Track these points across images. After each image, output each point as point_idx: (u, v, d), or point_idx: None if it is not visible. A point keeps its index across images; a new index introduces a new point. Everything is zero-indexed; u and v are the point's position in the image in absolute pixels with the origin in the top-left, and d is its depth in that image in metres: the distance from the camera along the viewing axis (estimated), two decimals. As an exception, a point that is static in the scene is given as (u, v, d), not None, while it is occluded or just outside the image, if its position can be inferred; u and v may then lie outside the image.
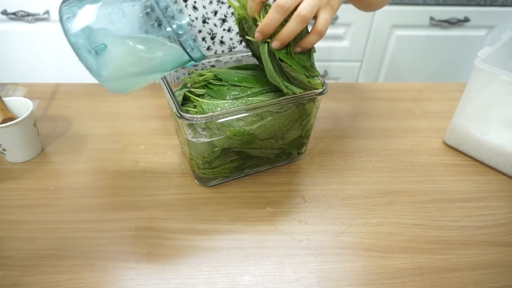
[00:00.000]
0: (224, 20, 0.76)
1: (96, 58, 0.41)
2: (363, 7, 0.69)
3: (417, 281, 0.46)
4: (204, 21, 0.76)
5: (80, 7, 0.40)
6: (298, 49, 0.49)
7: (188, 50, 0.43)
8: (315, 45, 0.49)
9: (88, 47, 0.40)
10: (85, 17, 0.40)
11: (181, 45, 0.43)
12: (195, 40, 0.43)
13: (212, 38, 0.79)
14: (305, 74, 0.50)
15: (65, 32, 0.40)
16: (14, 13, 1.38)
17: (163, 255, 0.48)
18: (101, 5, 0.41)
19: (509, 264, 0.49)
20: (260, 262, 0.48)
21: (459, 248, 0.51)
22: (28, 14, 1.38)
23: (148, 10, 0.39)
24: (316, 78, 0.52)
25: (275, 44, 0.47)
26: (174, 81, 0.66)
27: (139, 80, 0.46)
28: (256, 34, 0.48)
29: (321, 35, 0.47)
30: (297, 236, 0.52)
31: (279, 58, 0.48)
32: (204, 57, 0.46)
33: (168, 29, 0.40)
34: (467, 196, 0.59)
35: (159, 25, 0.40)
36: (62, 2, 0.42)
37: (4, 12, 1.38)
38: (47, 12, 1.38)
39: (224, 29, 0.77)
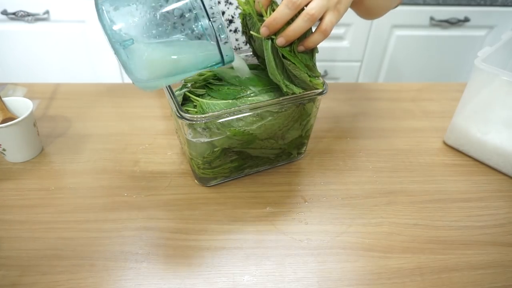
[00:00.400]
0: (231, 21, 0.76)
1: (131, 58, 0.40)
2: (364, 14, 0.70)
3: (417, 281, 0.46)
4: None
5: (121, 4, 0.40)
6: (301, 48, 0.49)
7: (223, 53, 0.44)
8: (318, 46, 0.50)
9: (119, 41, 0.40)
10: (125, 14, 0.40)
11: (218, 47, 0.43)
12: (226, 42, 0.44)
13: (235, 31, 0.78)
14: (307, 73, 0.50)
15: (103, 25, 0.40)
16: (14, 13, 1.38)
17: (163, 255, 0.48)
18: (142, 3, 0.41)
19: (509, 264, 0.49)
20: (260, 262, 0.48)
21: (459, 248, 0.51)
22: (28, 14, 1.38)
23: (192, 7, 0.39)
24: (317, 78, 0.52)
25: (280, 40, 0.47)
26: None
27: (169, 80, 0.47)
28: (263, 29, 0.48)
29: (325, 35, 0.48)
30: (297, 236, 0.52)
31: (282, 55, 0.48)
32: (232, 60, 0.46)
33: (207, 28, 0.40)
34: (467, 196, 0.59)
35: (195, 22, 0.40)
36: None
37: (4, 12, 1.38)
38: (47, 12, 1.38)
39: (230, 30, 0.77)
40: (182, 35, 0.41)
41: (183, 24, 0.41)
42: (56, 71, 1.55)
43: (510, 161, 0.61)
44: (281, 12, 0.46)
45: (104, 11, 0.39)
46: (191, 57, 0.44)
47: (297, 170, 0.63)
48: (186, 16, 0.40)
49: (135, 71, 0.42)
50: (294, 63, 0.48)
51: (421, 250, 0.50)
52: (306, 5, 0.46)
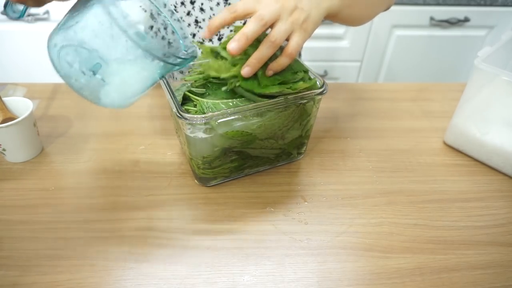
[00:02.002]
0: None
1: (91, 83, 0.40)
2: (345, 23, 0.62)
3: (417, 281, 0.46)
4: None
5: (69, 33, 0.40)
6: (270, 73, 0.50)
7: (179, 60, 0.43)
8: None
9: (83, 69, 0.39)
10: (74, 39, 0.40)
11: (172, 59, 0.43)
12: (185, 37, 0.43)
13: (220, 39, 0.79)
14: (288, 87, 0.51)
15: (54, 64, 0.40)
16: (14, 13, 1.38)
17: (163, 255, 0.48)
18: (89, 26, 0.40)
19: (509, 264, 0.49)
20: (260, 262, 0.48)
21: (459, 248, 0.51)
22: (28, 14, 1.38)
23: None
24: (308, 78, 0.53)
25: (245, 70, 0.48)
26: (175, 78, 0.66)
27: (136, 98, 0.46)
28: (246, 69, 0.48)
29: (291, 58, 0.48)
30: (297, 236, 0.52)
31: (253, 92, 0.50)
32: (194, 57, 0.46)
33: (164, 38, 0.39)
34: (468, 196, 0.59)
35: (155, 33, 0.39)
36: (52, 32, 0.41)
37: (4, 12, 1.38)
38: (47, 12, 1.38)
39: (231, 30, 0.78)
40: (139, 49, 0.40)
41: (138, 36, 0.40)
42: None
43: (510, 161, 0.61)
44: (263, 52, 0.46)
45: (54, 48, 0.39)
46: (151, 67, 0.43)
47: (297, 170, 0.63)
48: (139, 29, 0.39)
49: (104, 97, 0.41)
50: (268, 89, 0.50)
51: (421, 250, 0.50)
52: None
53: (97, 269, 0.46)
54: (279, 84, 0.51)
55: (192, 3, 0.75)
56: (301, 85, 0.52)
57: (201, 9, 0.75)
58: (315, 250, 0.50)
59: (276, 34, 0.46)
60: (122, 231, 0.51)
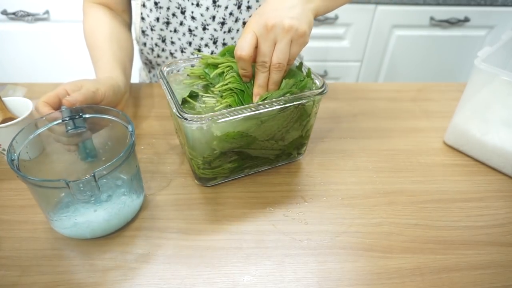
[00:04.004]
0: (223, 23, 0.77)
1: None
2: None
3: (417, 281, 0.46)
4: (204, 28, 0.77)
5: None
6: (272, 87, 0.53)
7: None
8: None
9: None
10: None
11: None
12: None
13: (214, 43, 0.79)
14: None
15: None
16: (14, 13, 1.38)
17: (163, 255, 0.48)
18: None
19: (509, 264, 0.49)
20: (260, 262, 0.48)
21: (459, 248, 0.51)
22: (28, 14, 1.39)
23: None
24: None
25: (257, 97, 0.53)
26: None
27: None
28: (256, 98, 0.53)
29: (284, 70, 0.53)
30: (297, 236, 0.52)
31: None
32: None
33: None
34: (467, 196, 0.59)
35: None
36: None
37: (4, 12, 1.38)
38: (47, 12, 1.38)
39: (224, 31, 0.78)
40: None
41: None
42: (56, 71, 1.55)
43: (510, 161, 0.61)
44: (261, 77, 0.52)
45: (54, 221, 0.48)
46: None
47: (297, 170, 0.63)
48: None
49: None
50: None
51: (421, 250, 0.50)
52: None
53: (97, 269, 0.46)
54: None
55: (183, 12, 0.75)
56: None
57: (192, 18, 0.76)
58: (315, 250, 0.50)
59: (278, 58, 0.51)
60: (122, 231, 0.51)
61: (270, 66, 0.51)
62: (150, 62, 0.90)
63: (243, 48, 0.50)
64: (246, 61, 0.51)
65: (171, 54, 0.83)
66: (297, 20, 0.49)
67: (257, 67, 0.51)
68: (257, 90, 0.52)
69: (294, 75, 0.56)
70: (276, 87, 0.53)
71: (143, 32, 0.82)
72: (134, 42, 0.81)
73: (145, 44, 0.84)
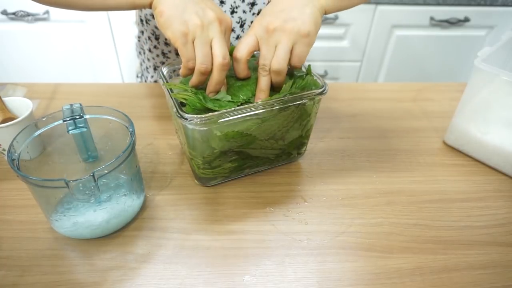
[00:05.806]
0: (253, 4, 0.76)
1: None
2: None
3: (417, 281, 0.46)
4: (232, 12, 0.76)
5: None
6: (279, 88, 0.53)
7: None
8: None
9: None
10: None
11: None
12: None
13: (241, 26, 0.79)
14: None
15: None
16: (14, 13, 1.38)
17: (163, 255, 0.48)
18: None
19: (509, 264, 0.49)
20: (260, 262, 0.48)
21: (459, 248, 0.51)
22: (28, 14, 1.39)
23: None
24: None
25: (258, 101, 0.52)
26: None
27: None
28: (259, 101, 0.52)
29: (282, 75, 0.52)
30: (297, 236, 0.52)
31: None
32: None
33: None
34: (467, 196, 0.59)
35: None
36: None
37: (4, 12, 1.38)
38: (47, 12, 1.38)
39: (253, 13, 0.77)
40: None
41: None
42: (56, 71, 1.55)
43: (510, 161, 0.61)
44: (264, 81, 0.51)
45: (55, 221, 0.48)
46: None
47: (297, 170, 0.63)
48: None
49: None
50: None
51: (421, 250, 0.50)
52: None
53: (97, 269, 0.46)
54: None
55: None
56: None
57: (221, 2, 0.75)
58: (315, 250, 0.50)
59: (275, 64, 0.50)
60: (122, 231, 0.51)
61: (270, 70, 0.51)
62: (144, 53, 0.90)
63: (240, 50, 0.50)
64: (240, 64, 0.51)
65: (164, 54, 0.83)
66: (300, 21, 0.48)
67: (259, 71, 0.51)
68: (258, 94, 0.52)
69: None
70: (279, 87, 0.52)
71: (141, 21, 0.82)
72: (134, 27, 0.81)
73: (142, 32, 0.85)
